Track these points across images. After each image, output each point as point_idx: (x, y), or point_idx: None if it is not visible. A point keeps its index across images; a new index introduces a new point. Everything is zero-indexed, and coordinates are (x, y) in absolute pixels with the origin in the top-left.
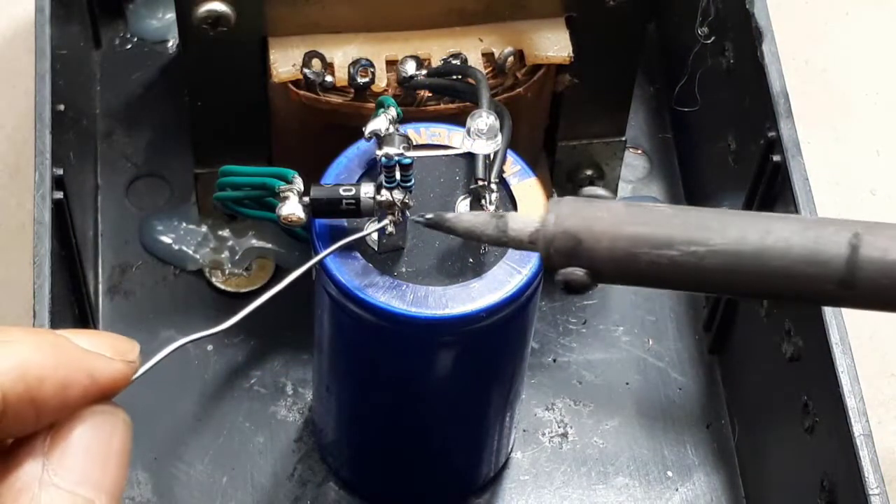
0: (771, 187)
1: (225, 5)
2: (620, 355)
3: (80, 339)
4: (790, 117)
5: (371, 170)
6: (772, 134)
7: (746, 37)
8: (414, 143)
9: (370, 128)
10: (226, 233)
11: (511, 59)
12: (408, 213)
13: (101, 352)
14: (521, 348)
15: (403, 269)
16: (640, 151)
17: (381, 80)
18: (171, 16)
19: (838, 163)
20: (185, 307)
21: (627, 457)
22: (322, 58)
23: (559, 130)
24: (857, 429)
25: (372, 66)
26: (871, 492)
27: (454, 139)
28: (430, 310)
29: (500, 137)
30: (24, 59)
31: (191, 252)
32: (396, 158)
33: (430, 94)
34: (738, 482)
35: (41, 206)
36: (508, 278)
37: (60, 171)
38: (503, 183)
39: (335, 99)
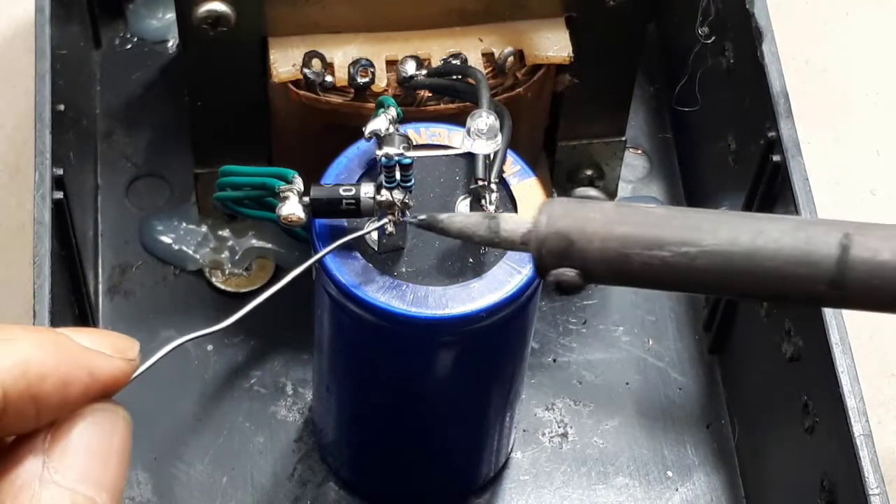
0: (771, 187)
1: (225, 5)
2: (620, 355)
3: (80, 337)
4: (790, 117)
5: (371, 170)
6: (772, 134)
7: (746, 37)
8: (414, 143)
9: (370, 128)
10: (226, 233)
11: (511, 59)
12: (408, 213)
13: (102, 350)
14: (521, 348)
15: (403, 269)
16: (640, 151)
17: (381, 80)
18: (171, 16)
19: (838, 163)
20: (185, 307)
21: (627, 457)
22: (322, 58)
23: (559, 130)
24: (857, 429)
25: (372, 66)
26: (871, 492)
27: (454, 139)
28: (430, 310)
29: (500, 137)
30: (24, 59)
31: (191, 252)
32: (396, 158)
33: (430, 94)
34: (738, 482)
35: (41, 206)
36: (508, 278)
37: (60, 171)
38: (503, 183)
39: (335, 99)
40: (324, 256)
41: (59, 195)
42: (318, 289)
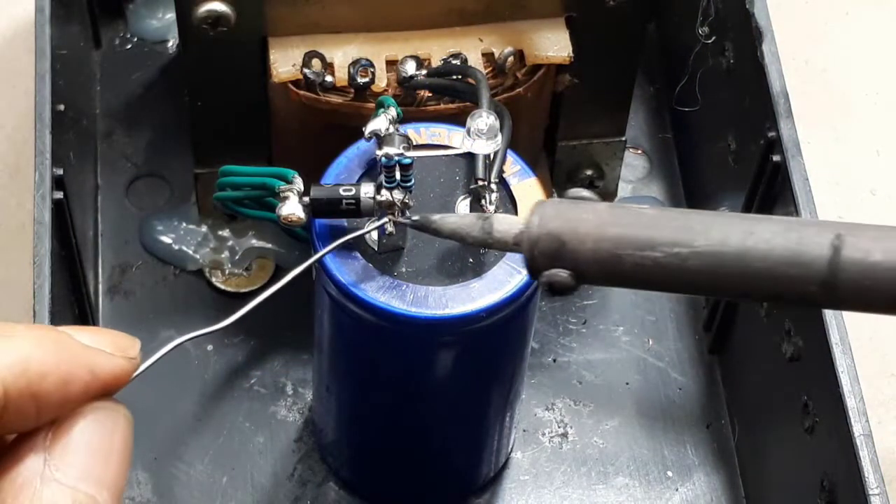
0: (771, 187)
1: (225, 5)
2: (620, 355)
3: (81, 335)
4: (790, 117)
5: (371, 170)
6: (772, 134)
7: (746, 37)
8: (414, 143)
9: (370, 128)
10: (226, 233)
11: (511, 59)
12: (408, 213)
13: (103, 348)
14: (521, 348)
15: (403, 269)
16: (640, 151)
17: (381, 80)
18: (171, 16)
19: (838, 163)
20: (185, 307)
21: (627, 457)
22: (322, 58)
23: (559, 130)
24: (857, 429)
25: (372, 66)
26: (871, 492)
27: (454, 139)
28: (430, 310)
29: (500, 137)
30: (24, 59)
31: (191, 252)
32: (396, 158)
33: (430, 94)
34: (738, 482)
35: (41, 206)
36: (508, 278)
37: (60, 171)
38: (503, 183)
39: (335, 99)
40: (324, 256)
41: (59, 195)
42: (318, 289)
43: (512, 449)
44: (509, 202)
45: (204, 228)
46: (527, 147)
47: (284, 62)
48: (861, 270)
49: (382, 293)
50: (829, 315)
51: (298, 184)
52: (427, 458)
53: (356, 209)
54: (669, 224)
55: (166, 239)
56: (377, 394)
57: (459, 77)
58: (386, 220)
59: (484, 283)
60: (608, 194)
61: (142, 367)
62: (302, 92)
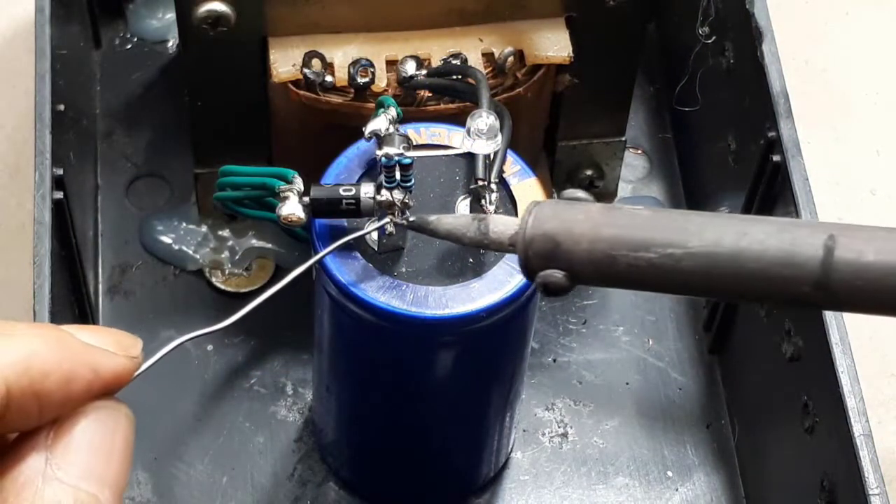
0: (771, 187)
1: (225, 5)
2: (620, 355)
3: (83, 334)
4: (790, 117)
5: (371, 170)
6: (772, 134)
7: (746, 37)
8: (414, 143)
9: (370, 128)
10: (226, 233)
11: (511, 59)
12: (408, 213)
13: (105, 347)
14: (521, 348)
15: (403, 269)
16: (640, 151)
17: (381, 80)
18: (171, 16)
19: (838, 163)
20: (185, 307)
21: (627, 457)
22: (322, 58)
23: (559, 130)
24: (857, 429)
25: (372, 66)
26: (871, 492)
27: (454, 139)
28: (430, 310)
29: (500, 137)
30: (24, 59)
31: (191, 252)
32: (396, 158)
33: (430, 94)
34: (738, 482)
35: (41, 206)
36: (508, 278)
37: (60, 171)
38: (503, 183)
39: (335, 99)
40: (324, 257)
41: (59, 195)
42: (318, 289)
43: (512, 449)
44: (509, 202)
45: (204, 228)
46: (527, 147)
47: (284, 62)
48: (854, 271)
49: (382, 293)
50: (829, 315)
51: (298, 184)
52: (427, 458)
53: (356, 209)
54: (663, 225)
55: (166, 239)
56: (377, 394)
57: (459, 77)
58: (387, 220)
59: (484, 283)
60: (608, 194)
61: (143, 367)
62: (302, 92)
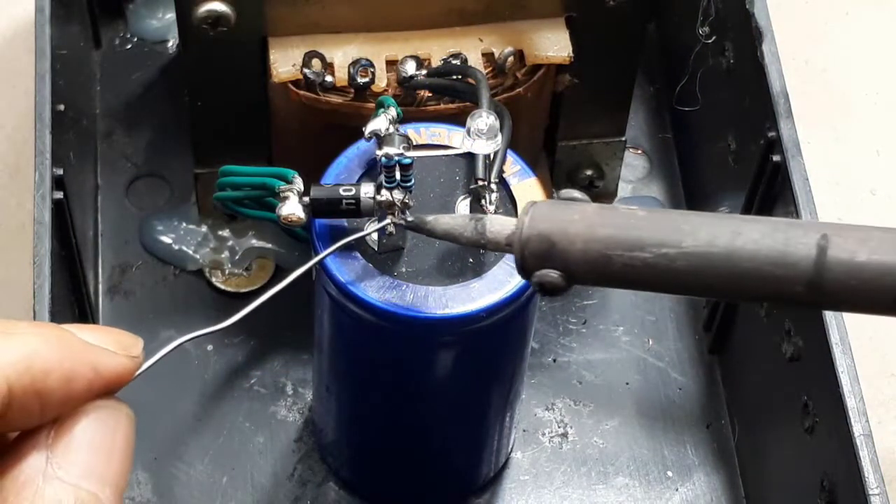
0: (771, 187)
1: (225, 5)
2: (620, 355)
3: (84, 333)
4: (790, 117)
5: (371, 170)
6: (772, 134)
7: (746, 37)
8: (414, 143)
9: (370, 128)
10: (226, 233)
11: (511, 59)
12: (408, 213)
13: (106, 346)
14: (521, 348)
15: (403, 269)
16: (640, 151)
17: (381, 80)
18: (171, 16)
19: (838, 163)
20: (185, 307)
21: (627, 457)
22: (322, 58)
23: (559, 130)
24: (857, 429)
25: (372, 66)
26: (871, 492)
27: (454, 139)
28: (430, 310)
29: (500, 137)
30: (24, 59)
31: (191, 252)
32: (396, 158)
33: (430, 94)
34: (738, 482)
35: (41, 206)
36: (508, 278)
37: (60, 171)
38: (503, 183)
39: (335, 99)
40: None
41: (59, 195)
42: (318, 289)
43: (512, 449)
44: (509, 202)
45: (204, 228)
46: (527, 147)
47: (284, 62)
48: (847, 271)
49: (382, 293)
50: (829, 315)
51: (298, 184)
52: (427, 458)
53: (356, 209)
54: (658, 225)
55: (166, 239)
56: (377, 394)
57: (459, 77)
58: (387, 221)
59: (484, 283)
60: (608, 194)
61: (143, 367)
62: (302, 92)
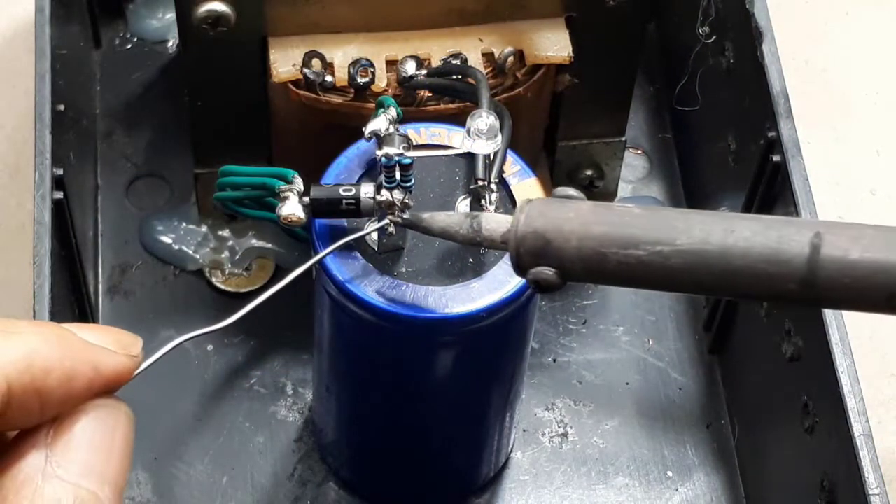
0: (771, 187)
1: (225, 5)
2: (620, 355)
3: (84, 332)
4: (790, 117)
5: (371, 170)
6: (772, 134)
7: (746, 37)
8: (414, 143)
9: (370, 128)
10: (226, 233)
11: (511, 59)
12: (408, 213)
13: (106, 345)
14: (521, 348)
15: (403, 269)
16: (640, 151)
17: (381, 80)
18: (171, 16)
19: (838, 163)
20: (185, 307)
21: (627, 457)
22: (322, 58)
23: (559, 130)
24: (857, 429)
25: (372, 66)
26: (871, 492)
27: (454, 139)
28: (430, 310)
29: (500, 137)
30: (24, 59)
31: (191, 252)
32: (396, 158)
33: (430, 94)
34: (738, 482)
35: (41, 206)
36: (508, 278)
37: (60, 171)
38: (503, 183)
39: (335, 99)
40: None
41: (59, 195)
42: (318, 289)
43: (512, 449)
44: (509, 202)
45: (204, 228)
46: (527, 147)
47: (284, 62)
48: (840, 268)
49: (382, 293)
50: (829, 315)
51: (298, 184)
52: (427, 458)
53: (356, 209)
54: (653, 223)
55: (166, 239)
56: (377, 394)
57: (459, 77)
58: (387, 221)
59: (484, 283)
60: (608, 194)
61: (143, 366)
62: (302, 92)
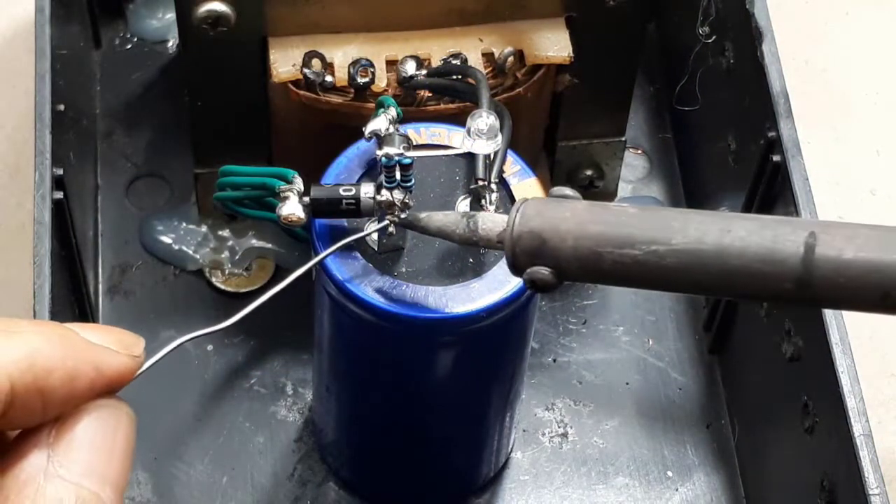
0: (771, 187)
1: (225, 5)
2: (620, 355)
3: (86, 332)
4: (790, 117)
5: (371, 170)
6: (772, 134)
7: (746, 37)
8: (414, 143)
9: (370, 128)
10: (226, 233)
11: (511, 59)
12: (408, 213)
13: (108, 345)
14: (521, 348)
15: (403, 269)
16: (640, 151)
17: (381, 80)
18: (171, 16)
19: (838, 163)
20: (185, 307)
21: (627, 457)
22: (322, 58)
23: (559, 130)
24: (857, 429)
25: (372, 66)
26: (871, 492)
27: (454, 139)
28: (430, 310)
29: (500, 137)
30: (24, 59)
31: (191, 252)
32: (396, 158)
33: (430, 94)
34: (738, 482)
35: (41, 206)
36: (508, 278)
37: (60, 171)
38: (503, 183)
39: (335, 99)
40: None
41: (59, 195)
42: (318, 289)
43: (512, 449)
44: (509, 202)
45: (204, 228)
46: (527, 147)
47: (284, 62)
48: (835, 268)
49: (382, 293)
50: (829, 315)
51: (298, 184)
52: (427, 458)
53: (356, 209)
54: (648, 222)
55: (166, 239)
56: (377, 394)
57: (459, 77)
58: (387, 222)
59: (484, 283)
60: (608, 194)
61: (145, 367)
62: (302, 92)
